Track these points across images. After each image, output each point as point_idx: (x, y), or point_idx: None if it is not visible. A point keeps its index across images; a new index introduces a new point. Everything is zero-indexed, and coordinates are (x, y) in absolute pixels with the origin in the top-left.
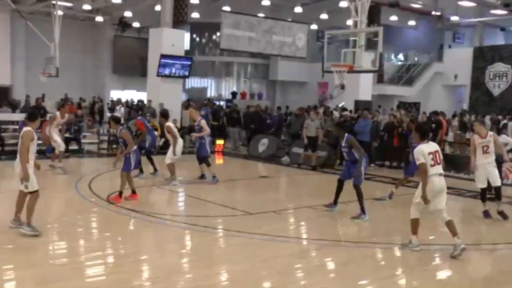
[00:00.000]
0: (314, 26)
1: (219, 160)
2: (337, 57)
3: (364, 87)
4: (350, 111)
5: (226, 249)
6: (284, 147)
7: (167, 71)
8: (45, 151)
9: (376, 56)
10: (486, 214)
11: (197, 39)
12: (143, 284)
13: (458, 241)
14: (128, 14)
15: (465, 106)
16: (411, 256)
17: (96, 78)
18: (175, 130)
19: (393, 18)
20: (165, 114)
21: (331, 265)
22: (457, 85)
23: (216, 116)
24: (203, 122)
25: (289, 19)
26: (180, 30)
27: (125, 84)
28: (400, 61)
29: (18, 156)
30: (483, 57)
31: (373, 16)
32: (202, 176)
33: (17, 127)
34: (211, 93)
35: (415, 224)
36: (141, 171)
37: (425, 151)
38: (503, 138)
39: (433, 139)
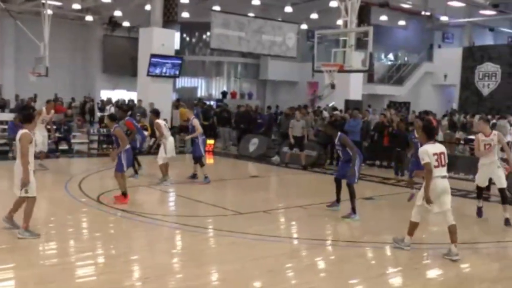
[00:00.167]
0: (304, 26)
1: (209, 159)
2: (327, 57)
3: (354, 87)
4: (341, 111)
5: (217, 249)
6: (274, 146)
7: (157, 71)
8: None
9: (366, 56)
10: (479, 211)
11: (187, 38)
12: (134, 284)
13: (454, 250)
14: (118, 13)
15: (455, 105)
16: (402, 255)
17: (86, 78)
18: (163, 127)
19: (383, 18)
20: (155, 111)
21: (321, 265)
22: (447, 84)
23: (206, 116)
24: (196, 121)
25: (279, 19)
26: (170, 30)
27: (115, 84)
28: (390, 60)
29: (17, 159)
30: (473, 57)
31: (363, 16)
32: (194, 176)
33: (6, 127)
34: (201, 92)
35: (413, 227)
36: (136, 172)
37: (429, 151)
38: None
39: None
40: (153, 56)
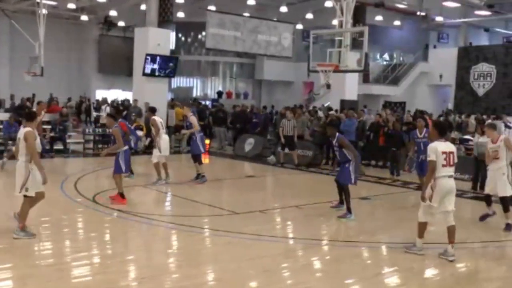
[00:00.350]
0: (299, 26)
1: (205, 159)
2: (322, 57)
3: (350, 87)
4: (336, 111)
5: (212, 249)
6: (270, 146)
7: (152, 71)
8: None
9: (361, 56)
10: (484, 217)
11: (183, 38)
12: (130, 284)
13: (451, 251)
14: (113, 13)
15: (450, 105)
16: (398, 255)
17: (81, 78)
18: (159, 124)
19: (379, 18)
20: (152, 108)
21: (317, 264)
22: (442, 84)
23: (201, 116)
24: (193, 119)
25: (275, 19)
26: (166, 30)
27: (111, 84)
28: (386, 60)
29: (19, 157)
30: (468, 57)
31: (358, 16)
32: (198, 176)
33: (1, 126)
34: (197, 92)
35: (422, 228)
36: (131, 172)
37: (439, 149)
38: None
39: None
40: (148, 56)
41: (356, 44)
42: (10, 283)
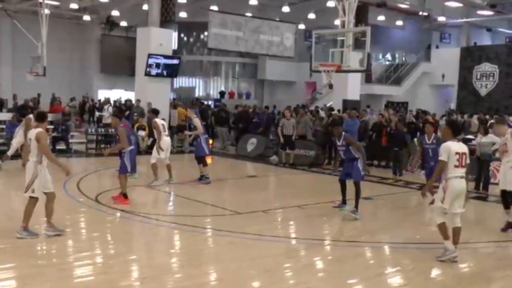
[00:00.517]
0: (301, 26)
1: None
2: (325, 57)
3: (352, 87)
4: (338, 111)
5: (215, 249)
6: (272, 146)
7: (155, 71)
8: None
9: (364, 56)
10: (507, 226)
11: (185, 38)
12: (132, 284)
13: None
14: (115, 13)
15: (453, 105)
16: (400, 255)
17: (83, 78)
18: (160, 126)
19: (381, 18)
20: (154, 110)
21: (319, 264)
22: (445, 84)
23: (203, 116)
24: (196, 121)
25: (277, 19)
26: (168, 30)
27: (113, 84)
28: (388, 60)
29: (30, 158)
30: (470, 57)
31: (361, 16)
32: (201, 178)
33: (3, 126)
34: (199, 92)
35: (443, 229)
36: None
37: (452, 149)
38: (490, 137)
39: None
40: (150, 56)
41: (358, 44)
42: (12, 283)
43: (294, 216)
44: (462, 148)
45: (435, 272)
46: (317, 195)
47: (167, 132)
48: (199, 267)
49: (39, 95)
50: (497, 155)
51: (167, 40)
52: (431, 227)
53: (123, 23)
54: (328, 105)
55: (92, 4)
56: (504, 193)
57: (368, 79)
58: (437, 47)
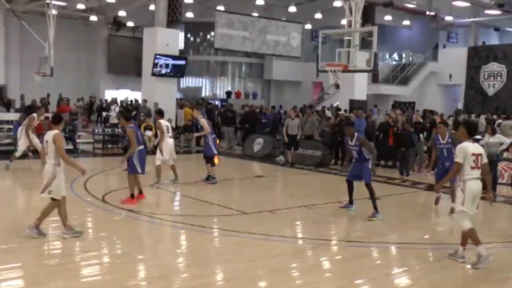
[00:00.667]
0: (308, 26)
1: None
2: (331, 57)
3: (359, 87)
4: (345, 111)
5: (221, 249)
6: (279, 146)
7: (161, 71)
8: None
9: (370, 56)
10: None
11: (192, 38)
12: (139, 284)
13: (461, 253)
14: (122, 13)
15: (460, 105)
16: (407, 255)
17: (90, 78)
18: (164, 127)
19: (388, 17)
20: (160, 111)
21: (326, 265)
22: (452, 84)
23: (209, 116)
24: (203, 121)
25: (283, 19)
26: (175, 30)
27: (120, 84)
28: (395, 60)
29: (47, 160)
30: (478, 56)
31: (368, 16)
32: (208, 178)
33: (11, 126)
34: (205, 92)
35: (473, 235)
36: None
37: (469, 150)
38: (498, 137)
39: (427, 138)
40: (157, 56)
41: (365, 44)
42: (19, 282)
43: (301, 216)
44: (478, 149)
45: (442, 273)
46: (324, 195)
47: (171, 134)
48: (206, 267)
49: (48, 95)
50: (505, 155)
51: (173, 40)
52: (438, 227)
53: (130, 24)
54: (335, 105)
55: (99, 4)
56: None
57: (375, 79)
58: (444, 46)
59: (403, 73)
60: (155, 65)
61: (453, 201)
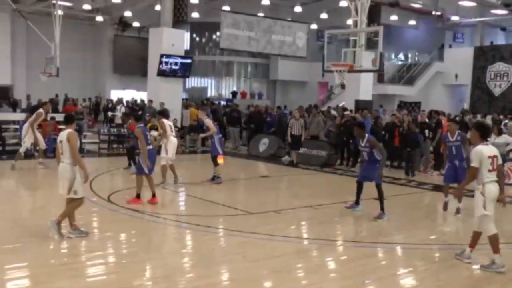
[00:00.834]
0: (314, 26)
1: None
2: (337, 57)
3: (365, 87)
4: (351, 111)
5: (227, 249)
6: (285, 146)
7: (167, 71)
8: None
9: (376, 56)
10: None
11: (197, 38)
12: (144, 284)
13: (468, 253)
14: (128, 13)
15: (466, 105)
16: (413, 255)
17: (96, 78)
18: (167, 127)
19: (393, 17)
20: (161, 112)
21: (331, 265)
22: (458, 84)
23: (215, 116)
24: (208, 121)
25: (289, 19)
26: (180, 30)
27: (126, 84)
28: (401, 60)
29: (63, 160)
30: (484, 56)
31: (373, 16)
32: (214, 178)
33: (17, 126)
34: (211, 92)
35: (495, 241)
36: (129, 165)
37: (485, 154)
38: (504, 137)
39: (433, 139)
40: (163, 56)
41: (371, 44)
42: (25, 282)
43: (306, 217)
44: (493, 151)
45: (448, 273)
46: (330, 195)
47: (174, 133)
48: (211, 267)
49: (56, 95)
50: (511, 155)
51: (179, 40)
52: (444, 228)
53: (136, 24)
54: (340, 105)
55: (105, 5)
56: None
57: (380, 79)
58: (450, 46)
59: (408, 73)
60: (160, 65)
61: (459, 201)
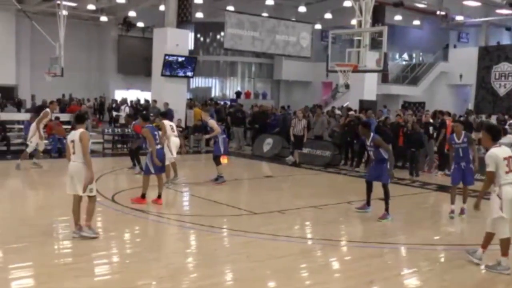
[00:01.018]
0: (318, 26)
1: (223, 160)
2: (341, 57)
3: (369, 87)
4: (355, 111)
5: (230, 249)
6: (289, 146)
7: (171, 71)
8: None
9: (380, 56)
10: None
11: (201, 38)
12: (147, 284)
13: (479, 255)
14: (132, 14)
15: (470, 105)
16: (417, 256)
17: (100, 78)
18: (168, 127)
19: (398, 17)
20: (163, 113)
21: (336, 265)
22: (462, 84)
23: (218, 116)
24: (211, 122)
25: (293, 19)
26: (184, 30)
27: (130, 84)
28: (405, 60)
29: (76, 159)
30: (489, 56)
31: (378, 16)
32: (217, 178)
33: (22, 126)
34: (215, 92)
35: (506, 245)
36: (134, 165)
37: (499, 156)
38: (509, 138)
39: (436, 139)
40: (167, 56)
41: (375, 44)
42: (29, 282)
43: (310, 217)
44: (507, 152)
45: (452, 274)
46: (333, 196)
47: (175, 133)
48: (215, 266)
49: (63, 95)
50: None
51: (183, 40)
52: (448, 228)
53: (140, 24)
54: (344, 105)
55: (109, 5)
56: None
57: (384, 79)
58: (454, 46)
59: (413, 73)
60: (164, 65)
61: (464, 202)
